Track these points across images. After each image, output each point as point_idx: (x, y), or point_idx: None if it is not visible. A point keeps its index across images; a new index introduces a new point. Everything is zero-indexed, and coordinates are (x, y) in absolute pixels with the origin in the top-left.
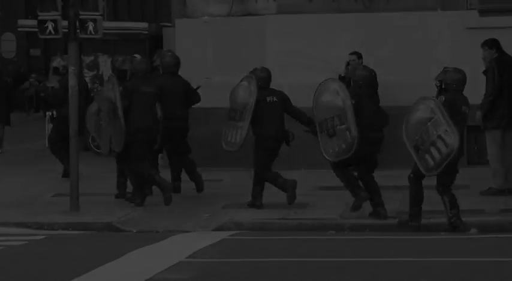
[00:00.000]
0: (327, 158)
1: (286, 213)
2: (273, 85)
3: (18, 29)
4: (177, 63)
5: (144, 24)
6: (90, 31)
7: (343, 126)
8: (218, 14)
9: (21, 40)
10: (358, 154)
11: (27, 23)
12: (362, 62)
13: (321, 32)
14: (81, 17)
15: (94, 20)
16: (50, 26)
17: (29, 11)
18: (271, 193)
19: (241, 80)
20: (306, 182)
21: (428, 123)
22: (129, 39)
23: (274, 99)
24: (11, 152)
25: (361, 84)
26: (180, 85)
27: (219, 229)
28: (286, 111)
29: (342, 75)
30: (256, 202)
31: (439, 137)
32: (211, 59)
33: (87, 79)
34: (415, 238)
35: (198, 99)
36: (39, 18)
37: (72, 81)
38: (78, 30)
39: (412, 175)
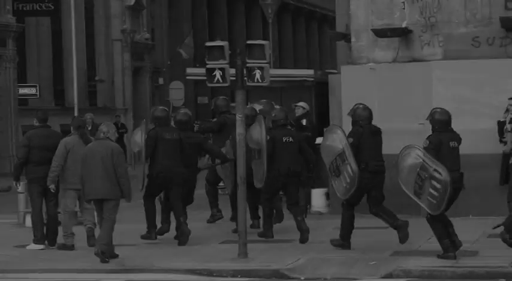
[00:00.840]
0: (341, 197)
1: (456, 261)
2: None
3: (187, 78)
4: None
5: (310, 71)
6: (257, 79)
7: (345, 162)
8: (384, 60)
9: (189, 88)
10: (365, 187)
11: (195, 72)
12: None
13: (488, 78)
14: (248, 65)
15: (261, 68)
16: (217, 74)
17: (197, 60)
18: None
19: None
20: (475, 230)
21: (418, 169)
22: (295, 86)
23: (290, 139)
24: None
25: (362, 123)
26: None
27: (388, 276)
28: (300, 151)
29: (501, 120)
30: (267, 233)
31: (432, 177)
32: (376, 105)
33: None
34: None
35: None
36: (208, 66)
37: (239, 129)
38: (245, 78)
39: (428, 216)
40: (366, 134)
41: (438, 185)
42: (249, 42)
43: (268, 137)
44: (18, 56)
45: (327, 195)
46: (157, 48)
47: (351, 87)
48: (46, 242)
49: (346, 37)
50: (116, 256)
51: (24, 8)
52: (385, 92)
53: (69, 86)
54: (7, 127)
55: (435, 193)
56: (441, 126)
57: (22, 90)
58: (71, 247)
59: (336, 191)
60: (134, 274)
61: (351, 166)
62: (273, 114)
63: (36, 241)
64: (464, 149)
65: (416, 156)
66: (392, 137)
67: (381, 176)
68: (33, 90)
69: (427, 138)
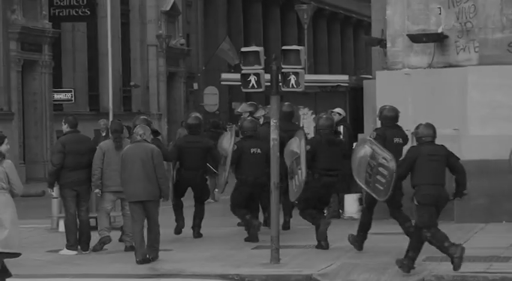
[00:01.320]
0: (291, 199)
1: (488, 266)
2: (472, 136)
3: (221, 83)
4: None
5: (345, 77)
6: (292, 84)
7: (298, 167)
8: (419, 66)
9: (224, 94)
10: (316, 196)
11: (230, 77)
12: None
13: None
14: (283, 70)
15: (296, 73)
16: (252, 79)
17: (232, 65)
18: (469, 246)
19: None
20: (508, 235)
21: (368, 159)
22: (330, 91)
23: (258, 151)
24: (220, 203)
25: (321, 132)
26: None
27: None
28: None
29: None
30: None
31: (380, 165)
32: (411, 110)
33: None
34: None
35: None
36: (243, 72)
37: (273, 134)
38: (280, 84)
39: (364, 205)
40: (323, 143)
41: (385, 172)
42: (284, 47)
43: (235, 147)
44: (54, 61)
45: (360, 201)
46: (192, 54)
47: (386, 92)
48: (79, 247)
49: (381, 42)
50: (148, 261)
51: (61, 14)
52: (419, 98)
53: (104, 91)
54: (42, 132)
55: (382, 180)
56: (388, 122)
57: (57, 96)
58: (107, 238)
59: (289, 192)
60: (166, 279)
61: (302, 172)
62: (241, 125)
63: (69, 247)
64: (498, 154)
65: (366, 146)
66: None
67: (333, 187)
68: (68, 96)
69: (374, 131)
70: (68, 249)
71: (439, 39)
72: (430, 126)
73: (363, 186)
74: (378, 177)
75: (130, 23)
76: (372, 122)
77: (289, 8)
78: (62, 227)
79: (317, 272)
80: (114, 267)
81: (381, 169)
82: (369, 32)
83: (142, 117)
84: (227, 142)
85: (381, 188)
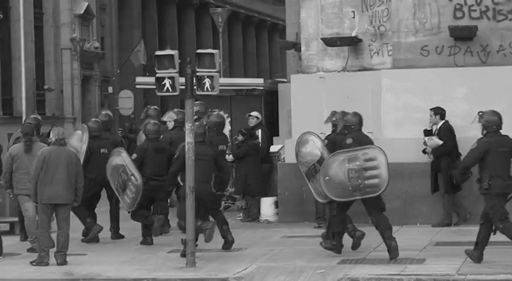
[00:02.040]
0: (128, 209)
1: (403, 268)
2: (387, 139)
3: (136, 87)
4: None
5: (260, 80)
6: (207, 88)
7: (129, 175)
8: (333, 69)
9: (139, 97)
10: (146, 198)
11: (144, 81)
12: (439, 118)
13: (436, 87)
14: (198, 73)
15: (211, 77)
16: (167, 83)
17: (147, 69)
18: (384, 248)
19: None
20: (423, 238)
21: (120, 171)
22: (245, 95)
23: (106, 151)
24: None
25: (149, 136)
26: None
27: None
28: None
29: (428, 129)
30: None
31: (129, 179)
32: (325, 114)
33: None
34: None
35: None
36: (157, 75)
37: (188, 138)
38: (195, 87)
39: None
40: (149, 150)
41: (133, 189)
42: (198, 51)
43: (85, 147)
44: None
45: (276, 204)
46: (106, 57)
47: (300, 96)
48: None
49: (296, 46)
50: (65, 263)
51: None
52: (334, 101)
53: (18, 95)
54: None
55: (130, 194)
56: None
57: None
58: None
59: (124, 205)
60: None
61: (134, 176)
62: (88, 125)
63: None
64: (412, 158)
65: (122, 159)
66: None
67: (160, 190)
68: None
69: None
70: None
71: (352, 43)
72: (202, 127)
73: (114, 190)
74: (128, 191)
75: (43, 26)
76: (286, 125)
77: (204, 12)
78: None
79: (232, 276)
80: (29, 271)
81: (129, 183)
82: (284, 35)
83: (32, 116)
84: (77, 142)
85: (128, 201)
